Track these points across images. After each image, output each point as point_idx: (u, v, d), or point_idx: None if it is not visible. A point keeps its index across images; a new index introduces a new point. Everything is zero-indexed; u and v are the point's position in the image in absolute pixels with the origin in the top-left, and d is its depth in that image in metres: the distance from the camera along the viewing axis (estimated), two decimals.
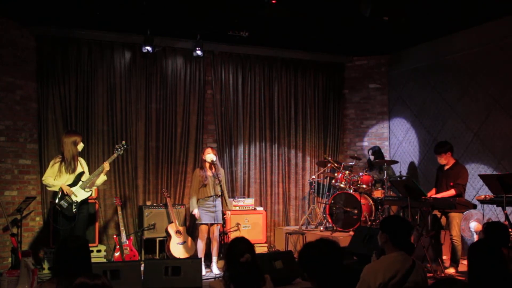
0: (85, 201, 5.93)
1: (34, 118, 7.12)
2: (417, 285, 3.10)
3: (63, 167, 5.83)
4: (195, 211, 6.50)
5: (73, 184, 5.84)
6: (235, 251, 3.25)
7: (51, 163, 5.95)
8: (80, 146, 5.97)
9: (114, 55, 7.63)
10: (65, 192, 5.73)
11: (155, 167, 7.81)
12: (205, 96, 8.21)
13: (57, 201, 5.72)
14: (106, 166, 6.02)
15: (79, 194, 5.83)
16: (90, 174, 6.07)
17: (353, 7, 6.32)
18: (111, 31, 7.48)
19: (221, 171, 6.70)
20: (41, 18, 6.85)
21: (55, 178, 5.82)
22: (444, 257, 6.39)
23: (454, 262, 6.12)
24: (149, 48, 7.45)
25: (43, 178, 5.95)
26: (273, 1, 6.31)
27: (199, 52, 7.76)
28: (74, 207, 5.75)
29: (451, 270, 6.05)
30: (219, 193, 6.44)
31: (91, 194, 6.04)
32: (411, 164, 8.46)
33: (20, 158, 6.94)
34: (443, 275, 5.80)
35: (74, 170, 5.89)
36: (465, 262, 6.38)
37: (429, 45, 8.12)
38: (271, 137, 8.58)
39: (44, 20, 6.92)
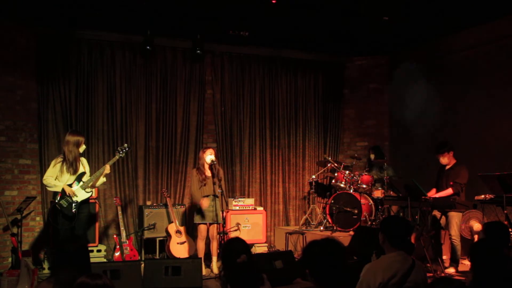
0: (85, 201, 5.92)
1: (34, 118, 7.12)
2: (417, 285, 3.10)
3: (65, 167, 5.81)
4: (203, 201, 6.41)
5: (74, 184, 5.83)
6: (231, 252, 3.25)
7: (53, 163, 5.92)
8: (82, 148, 5.94)
9: (114, 55, 7.62)
10: (66, 193, 5.72)
11: (155, 167, 7.81)
12: (205, 96, 8.22)
13: (57, 200, 5.71)
14: (107, 168, 5.99)
15: (80, 194, 5.82)
16: (91, 174, 6.05)
17: (353, 7, 6.33)
18: (111, 31, 7.48)
19: (220, 171, 6.68)
20: (41, 18, 6.85)
21: (56, 178, 5.81)
22: (444, 257, 6.39)
23: (454, 262, 6.13)
24: (149, 48, 7.45)
25: (43, 178, 5.91)
26: (273, 1, 6.31)
27: (199, 52, 7.76)
28: (74, 206, 5.74)
29: (451, 270, 6.06)
30: (218, 193, 6.43)
31: (91, 195, 6.03)
32: (411, 164, 8.45)
33: (20, 158, 6.95)
34: (443, 274, 5.81)
35: (75, 171, 5.86)
36: (465, 262, 6.38)
37: (429, 45, 8.12)
38: (271, 137, 8.58)
39: (44, 20, 6.92)
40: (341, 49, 8.75)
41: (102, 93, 7.55)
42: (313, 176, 8.24)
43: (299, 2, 6.46)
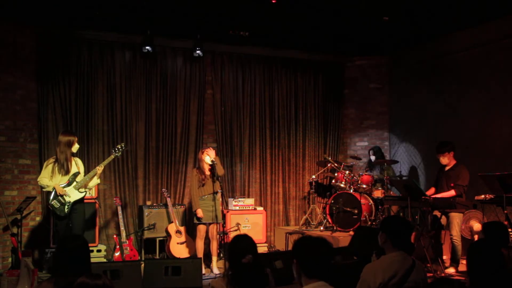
0: (79, 201, 5.87)
1: (34, 118, 7.12)
2: (417, 285, 3.10)
3: (56, 168, 5.78)
4: (199, 211, 6.47)
5: (67, 184, 5.80)
6: (237, 250, 3.23)
7: (45, 164, 5.90)
8: (75, 148, 5.90)
9: (114, 55, 7.63)
10: (58, 193, 5.71)
11: (155, 167, 7.81)
12: (205, 96, 8.22)
13: (49, 201, 5.70)
14: (99, 169, 5.97)
15: (73, 195, 5.79)
16: (85, 174, 6.00)
17: (353, 7, 6.33)
18: (111, 31, 7.48)
19: (219, 166, 6.61)
20: (41, 18, 6.85)
21: (49, 178, 5.78)
22: (444, 257, 6.39)
23: (454, 262, 6.12)
24: (149, 48, 7.46)
25: (38, 179, 5.89)
26: (273, 1, 6.31)
27: (199, 52, 7.77)
28: (66, 207, 5.70)
29: (451, 270, 6.05)
30: (218, 191, 6.42)
31: (85, 195, 5.98)
32: (411, 164, 8.46)
33: (20, 158, 6.95)
34: (443, 275, 5.80)
35: (67, 172, 5.81)
36: (465, 262, 6.37)
37: (429, 45, 8.12)
38: (271, 137, 8.58)
39: (44, 20, 6.92)
40: (341, 49, 8.75)
41: (102, 93, 7.55)
42: (313, 176, 8.24)
43: (299, 2, 6.45)
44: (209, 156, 6.48)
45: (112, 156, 6.18)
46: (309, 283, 2.66)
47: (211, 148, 6.68)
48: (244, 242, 3.31)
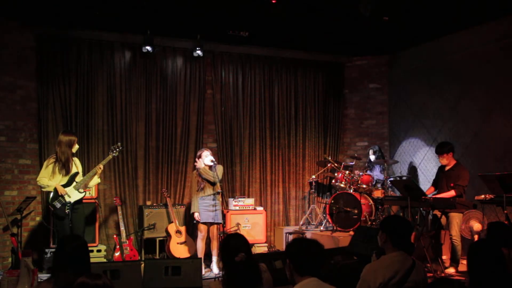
0: (79, 202, 5.87)
1: (34, 118, 7.13)
2: (417, 285, 3.11)
3: (57, 168, 5.77)
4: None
5: (67, 184, 5.79)
6: (229, 249, 3.22)
7: (45, 163, 5.89)
8: (75, 148, 5.90)
9: (114, 55, 7.63)
10: (59, 193, 5.70)
11: (155, 167, 7.81)
12: (205, 96, 8.22)
13: (50, 201, 5.70)
14: (99, 169, 5.97)
15: (73, 195, 5.79)
16: (84, 175, 6.00)
17: (353, 7, 6.33)
18: (111, 31, 7.48)
19: (220, 168, 6.64)
20: (41, 18, 6.85)
21: (49, 178, 5.77)
22: (444, 257, 6.39)
23: (454, 262, 6.13)
24: (149, 48, 7.47)
25: (37, 179, 5.88)
26: (273, 1, 6.31)
27: (199, 52, 7.78)
28: (67, 207, 5.70)
29: (451, 270, 6.06)
30: (218, 191, 6.42)
31: (85, 195, 5.99)
32: (411, 164, 8.46)
33: (20, 158, 6.95)
34: (443, 275, 5.81)
35: (68, 172, 5.81)
36: (465, 262, 6.37)
37: (429, 45, 8.11)
38: (271, 137, 8.58)
39: (44, 20, 6.93)
40: (341, 49, 8.75)
41: (102, 93, 7.55)
42: (313, 176, 8.24)
43: (299, 2, 6.45)
44: (208, 157, 6.48)
45: (110, 156, 6.18)
46: (301, 280, 2.75)
47: (207, 150, 6.66)
48: (237, 240, 3.31)
